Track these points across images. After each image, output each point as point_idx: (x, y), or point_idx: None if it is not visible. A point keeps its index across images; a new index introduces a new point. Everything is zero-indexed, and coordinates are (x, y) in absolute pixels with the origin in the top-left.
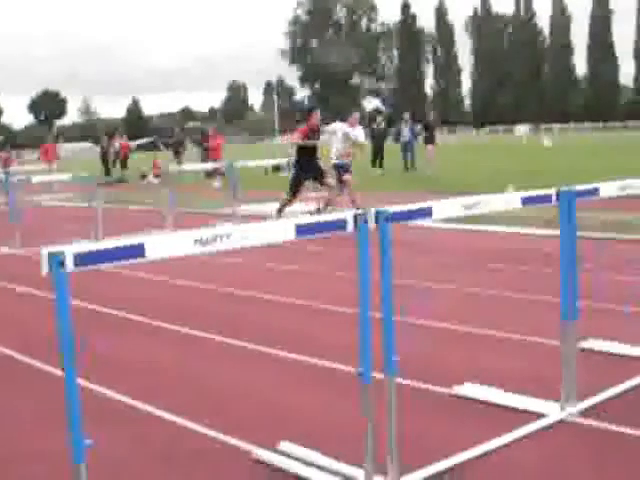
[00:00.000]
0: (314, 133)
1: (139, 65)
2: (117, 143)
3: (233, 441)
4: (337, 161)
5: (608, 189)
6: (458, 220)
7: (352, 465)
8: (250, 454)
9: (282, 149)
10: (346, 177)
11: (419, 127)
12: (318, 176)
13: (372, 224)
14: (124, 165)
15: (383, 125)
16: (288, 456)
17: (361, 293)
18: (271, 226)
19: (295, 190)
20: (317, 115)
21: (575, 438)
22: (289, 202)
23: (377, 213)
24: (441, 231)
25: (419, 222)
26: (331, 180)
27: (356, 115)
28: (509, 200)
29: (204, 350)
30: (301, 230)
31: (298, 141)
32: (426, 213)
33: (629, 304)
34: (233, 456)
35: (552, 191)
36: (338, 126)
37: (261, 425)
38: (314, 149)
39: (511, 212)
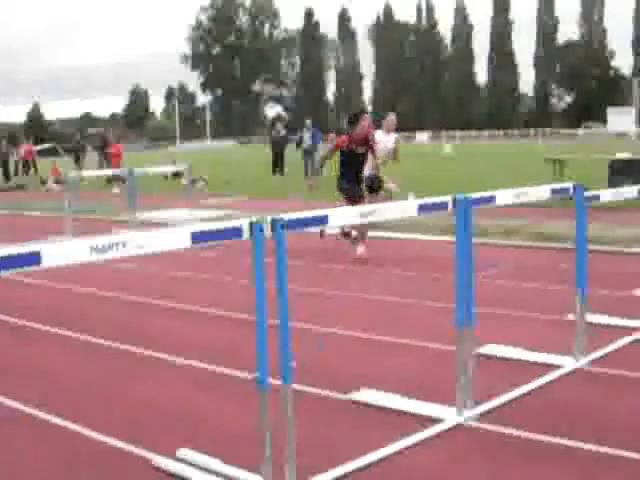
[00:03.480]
0: (359, 143)
1: (40, 70)
2: (22, 150)
3: (132, 448)
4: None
5: (504, 197)
6: None
7: (250, 471)
8: (149, 461)
9: (181, 156)
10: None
11: (332, 134)
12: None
13: (268, 231)
14: (36, 168)
15: (283, 132)
16: (187, 463)
17: (257, 300)
18: (167, 234)
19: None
20: (367, 122)
21: (472, 442)
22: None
23: (273, 220)
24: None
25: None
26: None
27: (392, 117)
28: (405, 208)
29: (101, 357)
30: (197, 238)
31: (328, 155)
32: (322, 220)
33: (525, 309)
34: (132, 464)
35: (448, 199)
36: (378, 135)
37: (160, 432)
38: (359, 163)
39: (413, 218)
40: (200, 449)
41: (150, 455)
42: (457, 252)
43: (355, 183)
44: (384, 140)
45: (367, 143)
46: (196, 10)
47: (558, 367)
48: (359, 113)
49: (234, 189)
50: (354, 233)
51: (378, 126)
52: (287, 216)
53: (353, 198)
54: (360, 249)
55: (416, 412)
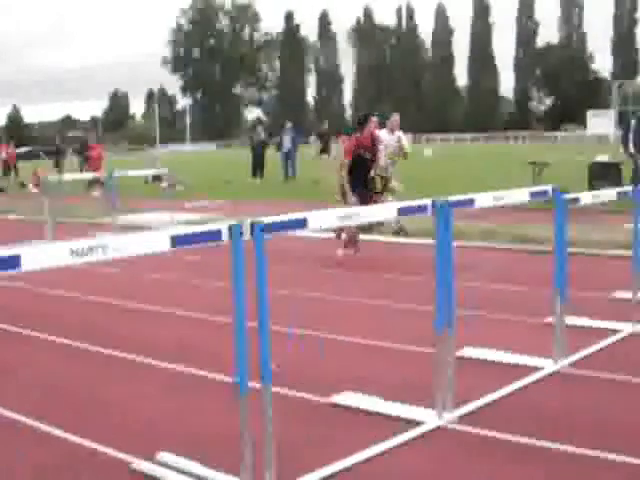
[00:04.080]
0: (366, 148)
1: (20, 72)
2: (3, 152)
3: (111, 452)
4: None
5: (483, 200)
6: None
7: (230, 474)
8: (129, 465)
9: (162, 160)
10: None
11: (313, 137)
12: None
13: (247, 235)
14: (16, 172)
15: (263, 135)
16: (166, 467)
17: (236, 303)
18: (146, 237)
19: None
20: (374, 124)
21: (452, 444)
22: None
23: (252, 224)
24: (320, 240)
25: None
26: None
27: (396, 117)
28: (384, 211)
29: (78, 360)
30: (176, 241)
31: (344, 168)
32: (301, 224)
33: (505, 311)
34: (112, 467)
35: (428, 201)
36: (382, 134)
37: (139, 436)
38: (367, 168)
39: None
40: (180, 452)
41: (129, 458)
42: (437, 255)
43: (363, 187)
44: (388, 139)
45: (373, 147)
46: (176, 13)
47: (538, 369)
48: (368, 114)
49: (215, 192)
50: (343, 236)
51: (382, 125)
52: (266, 219)
53: (364, 204)
54: (339, 251)
55: (397, 415)
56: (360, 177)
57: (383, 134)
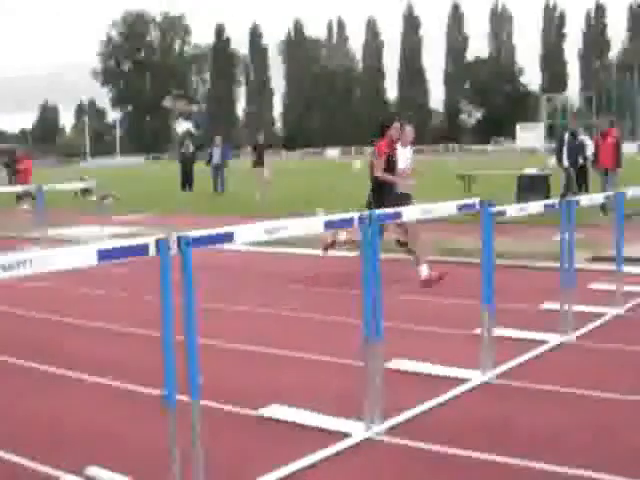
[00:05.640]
0: (393, 153)
1: None
2: None
3: (39, 467)
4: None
5: (410, 212)
6: (268, 242)
7: None
8: None
9: (91, 173)
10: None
11: (248, 149)
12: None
13: (174, 249)
14: None
15: (192, 148)
16: None
17: (164, 317)
18: (73, 251)
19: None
20: (397, 130)
21: (381, 456)
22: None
23: (179, 238)
24: (250, 253)
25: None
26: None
27: (410, 129)
28: (311, 225)
29: (7, 375)
30: (103, 255)
31: (382, 174)
32: (228, 238)
33: (433, 324)
34: None
35: (354, 215)
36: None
37: (67, 450)
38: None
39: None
40: (108, 466)
41: (57, 473)
42: (364, 267)
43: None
44: (402, 153)
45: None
46: (107, 25)
47: (465, 381)
48: (391, 118)
49: (144, 205)
50: (341, 238)
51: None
52: (193, 233)
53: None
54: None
55: (325, 427)
56: (391, 190)
57: (399, 150)
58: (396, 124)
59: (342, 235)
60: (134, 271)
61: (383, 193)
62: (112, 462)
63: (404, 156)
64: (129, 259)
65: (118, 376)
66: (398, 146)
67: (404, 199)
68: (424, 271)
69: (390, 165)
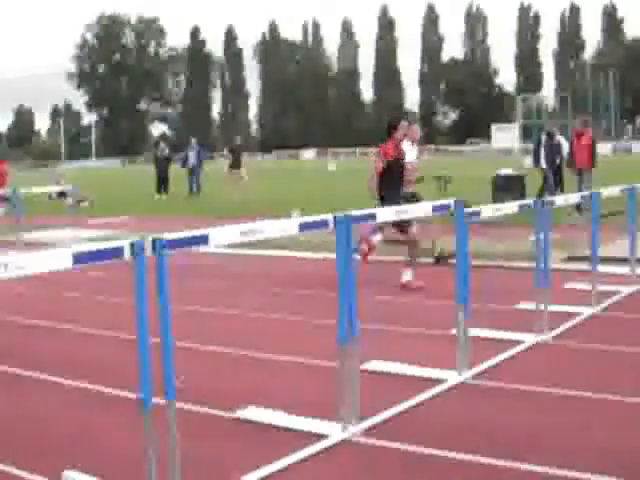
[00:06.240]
0: (400, 155)
1: None
2: None
3: (15, 471)
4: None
5: (385, 214)
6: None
7: None
8: None
9: (67, 176)
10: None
11: (225, 151)
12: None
13: (149, 252)
14: None
15: (167, 151)
16: None
17: (139, 319)
18: (48, 255)
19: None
20: (404, 129)
21: (357, 457)
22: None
23: (154, 241)
24: (226, 256)
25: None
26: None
27: (416, 127)
28: (286, 226)
29: None
30: (78, 259)
31: (372, 178)
32: (203, 240)
33: (410, 324)
34: None
35: (329, 216)
36: (405, 147)
37: (43, 455)
38: (398, 178)
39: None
40: (86, 470)
41: (33, 477)
42: (338, 269)
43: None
44: (410, 151)
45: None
46: (81, 28)
47: (442, 381)
48: (398, 118)
49: (120, 208)
50: (375, 241)
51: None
52: (168, 236)
53: (401, 226)
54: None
55: (302, 429)
56: (394, 193)
57: (405, 146)
58: (404, 123)
59: (376, 238)
60: (109, 274)
61: (390, 194)
62: (89, 466)
63: (411, 153)
64: (105, 262)
65: (94, 379)
66: (405, 142)
67: (410, 199)
68: (408, 276)
69: (396, 169)
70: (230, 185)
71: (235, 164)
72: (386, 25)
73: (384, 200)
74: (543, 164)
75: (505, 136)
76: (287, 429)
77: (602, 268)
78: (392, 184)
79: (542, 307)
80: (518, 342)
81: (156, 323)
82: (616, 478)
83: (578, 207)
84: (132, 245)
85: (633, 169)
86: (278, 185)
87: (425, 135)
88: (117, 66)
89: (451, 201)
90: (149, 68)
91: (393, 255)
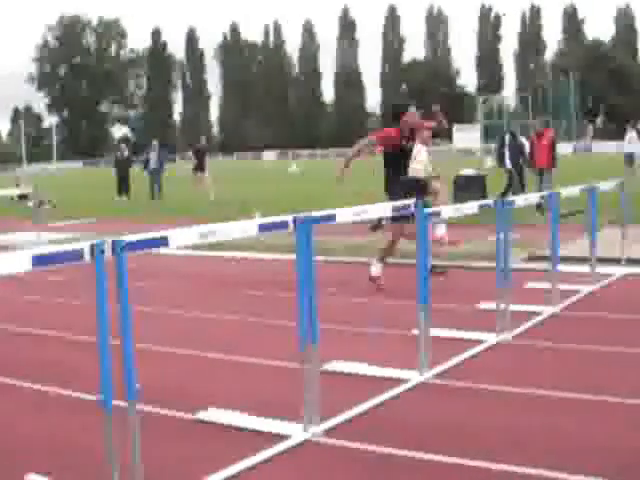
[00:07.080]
0: (407, 141)
1: None
2: None
3: None
4: None
5: (344, 215)
6: (203, 246)
7: None
8: None
9: (28, 179)
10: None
11: (189, 153)
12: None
13: (109, 254)
14: None
15: (127, 153)
16: None
17: (99, 321)
18: (6, 257)
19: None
20: (413, 116)
21: (319, 457)
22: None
23: (113, 243)
24: (186, 257)
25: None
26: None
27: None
28: (245, 228)
29: None
30: (37, 261)
31: (353, 152)
32: (163, 242)
33: (371, 325)
34: None
35: (289, 218)
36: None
37: (4, 458)
38: (401, 162)
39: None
40: (47, 473)
41: None
42: (298, 270)
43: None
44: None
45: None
46: (42, 29)
47: (403, 381)
48: (405, 105)
49: (81, 212)
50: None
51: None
52: (128, 238)
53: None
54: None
55: (263, 429)
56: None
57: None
58: (412, 109)
59: (440, 231)
60: (69, 277)
61: (394, 178)
62: (51, 469)
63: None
64: (66, 264)
65: (54, 381)
66: (417, 145)
67: (417, 184)
68: (378, 270)
69: (402, 155)
70: (194, 187)
71: (200, 166)
72: (347, 26)
73: (387, 190)
74: (508, 164)
75: (466, 136)
76: (249, 430)
77: (563, 267)
78: (396, 171)
79: (503, 307)
80: (479, 342)
81: (117, 325)
82: (584, 476)
83: (538, 207)
84: (92, 247)
85: (593, 169)
86: (239, 187)
87: None
88: (78, 68)
89: (411, 201)
90: (110, 70)
91: (352, 256)
